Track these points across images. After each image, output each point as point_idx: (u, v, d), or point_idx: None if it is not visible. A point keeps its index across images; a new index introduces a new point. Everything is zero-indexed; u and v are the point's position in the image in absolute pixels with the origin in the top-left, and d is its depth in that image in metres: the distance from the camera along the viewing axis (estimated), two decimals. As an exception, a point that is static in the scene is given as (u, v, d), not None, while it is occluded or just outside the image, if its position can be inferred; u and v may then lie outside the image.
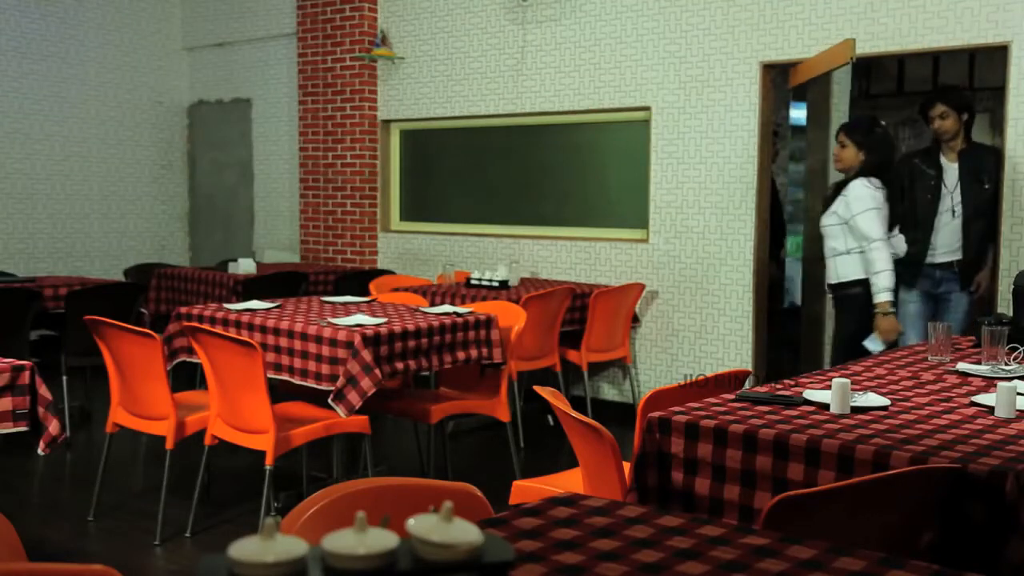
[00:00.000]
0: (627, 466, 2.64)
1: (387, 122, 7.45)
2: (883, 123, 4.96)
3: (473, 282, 5.85)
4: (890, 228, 4.79)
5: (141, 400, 4.13)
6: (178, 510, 4.16)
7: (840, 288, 4.83)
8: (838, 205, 4.72)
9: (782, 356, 6.21)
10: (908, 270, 4.86)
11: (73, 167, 8.02)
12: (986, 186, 4.84)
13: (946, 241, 4.85)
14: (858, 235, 4.64)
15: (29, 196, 7.77)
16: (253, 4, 8.14)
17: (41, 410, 3.27)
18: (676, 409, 2.52)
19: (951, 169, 4.85)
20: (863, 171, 4.69)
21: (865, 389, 2.79)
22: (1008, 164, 4.96)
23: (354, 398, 3.87)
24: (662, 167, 6.05)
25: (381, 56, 7.18)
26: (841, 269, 4.77)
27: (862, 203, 4.58)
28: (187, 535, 4.04)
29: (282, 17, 7.92)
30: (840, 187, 4.79)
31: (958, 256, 4.85)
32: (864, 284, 4.67)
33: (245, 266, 6.41)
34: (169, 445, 4.01)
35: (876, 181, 4.67)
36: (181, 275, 6.47)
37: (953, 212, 4.81)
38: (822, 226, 4.85)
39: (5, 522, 1.79)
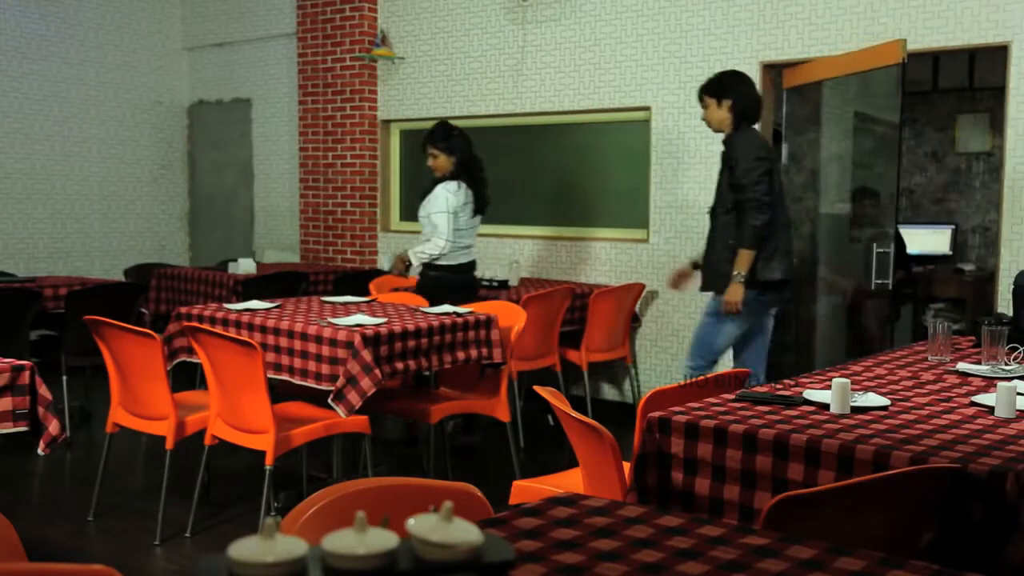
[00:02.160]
0: (627, 466, 2.64)
1: (387, 122, 7.45)
2: (456, 127, 5.39)
3: (473, 282, 5.85)
4: None
5: (141, 400, 4.13)
6: (178, 510, 4.16)
7: (431, 269, 5.29)
8: (425, 201, 5.30)
9: (781, 357, 6.22)
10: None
11: (73, 167, 8.02)
12: (717, 180, 4.60)
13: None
14: (431, 229, 5.22)
15: (29, 196, 7.77)
16: (253, 4, 8.14)
17: (41, 410, 3.27)
18: (676, 409, 2.52)
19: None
20: (453, 174, 5.24)
21: (865, 389, 2.79)
22: (1008, 164, 4.97)
23: (354, 398, 3.87)
24: (662, 167, 6.05)
25: (381, 56, 7.18)
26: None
27: (437, 205, 5.18)
28: (187, 535, 4.04)
29: (282, 17, 7.92)
30: (434, 185, 5.28)
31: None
32: (454, 269, 5.26)
33: (245, 266, 6.41)
34: (169, 445, 4.01)
35: (460, 185, 5.24)
36: (181, 275, 6.47)
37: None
38: (419, 216, 5.37)
39: (5, 522, 1.79)
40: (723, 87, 4.57)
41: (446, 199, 5.17)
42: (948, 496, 2.07)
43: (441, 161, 5.26)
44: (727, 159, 4.53)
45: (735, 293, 4.42)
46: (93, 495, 4.28)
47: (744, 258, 4.40)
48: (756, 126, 4.78)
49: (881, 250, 4.93)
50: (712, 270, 4.58)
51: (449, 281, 5.23)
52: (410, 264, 5.34)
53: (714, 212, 4.63)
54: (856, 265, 5.68)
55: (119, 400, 4.22)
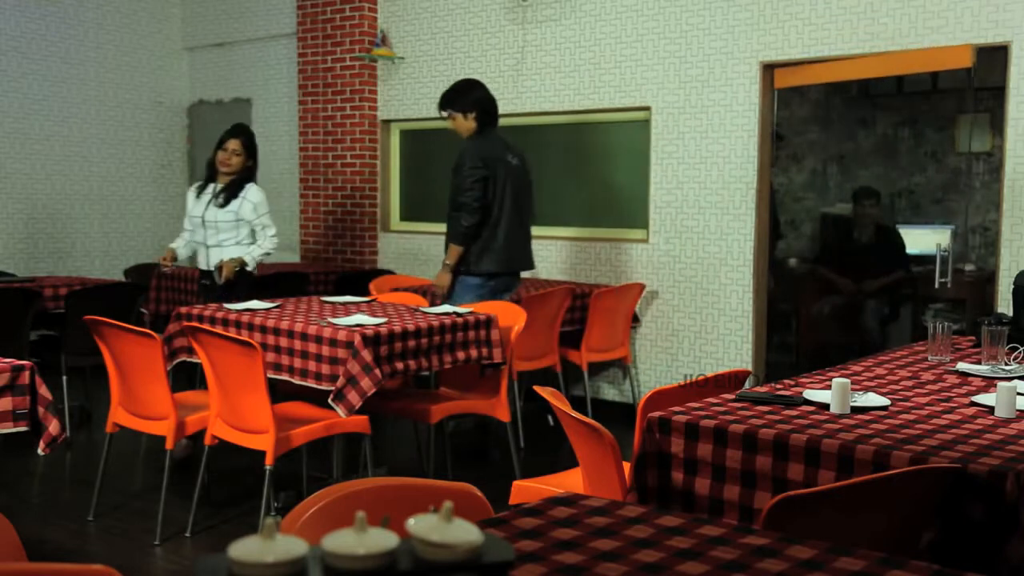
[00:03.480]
0: (627, 466, 2.64)
1: (387, 122, 7.45)
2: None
3: (473, 282, 5.84)
4: None
5: (141, 400, 4.12)
6: (178, 510, 4.16)
7: (246, 275, 5.22)
8: (235, 204, 5.18)
9: (781, 357, 6.22)
10: None
11: (73, 167, 8.01)
12: (456, 179, 5.09)
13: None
14: (260, 229, 5.23)
15: (29, 196, 7.77)
16: (253, 4, 8.14)
17: (41, 410, 3.27)
18: (676, 409, 2.52)
19: None
20: (251, 175, 5.27)
21: (865, 389, 2.79)
22: (1008, 164, 4.97)
23: (354, 398, 3.87)
24: (662, 167, 6.05)
25: (381, 56, 7.18)
26: (227, 257, 5.18)
27: (264, 206, 5.24)
28: (187, 535, 4.04)
29: (282, 17, 7.92)
30: (235, 188, 5.19)
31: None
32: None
33: (245, 266, 6.39)
34: (169, 445, 4.01)
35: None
36: (181, 275, 6.47)
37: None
38: (215, 220, 5.19)
39: (5, 522, 1.79)
40: (467, 101, 5.14)
41: (265, 200, 5.27)
42: (948, 496, 2.07)
43: (241, 160, 5.21)
44: (454, 164, 5.12)
45: (441, 279, 5.13)
46: (93, 495, 4.28)
47: (453, 251, 5.07)
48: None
49: (944, 251, 5.46)
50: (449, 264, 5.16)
51: (256, 281, 5.33)
52: (242, 267, 5.19)
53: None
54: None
55: (119, 400, 4.22)
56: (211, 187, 5.26)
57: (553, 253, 6.58)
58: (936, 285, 5.48)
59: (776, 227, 6.66)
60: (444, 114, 5.21)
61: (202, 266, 5.31)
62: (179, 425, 4.02)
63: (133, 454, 5.22)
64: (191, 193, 5.37)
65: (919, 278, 7.02)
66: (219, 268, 5.13)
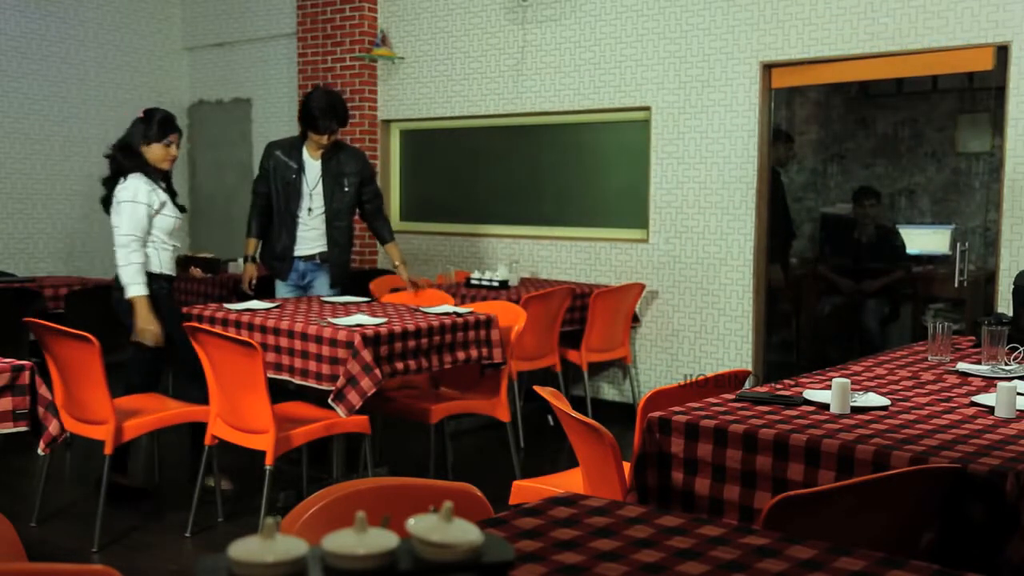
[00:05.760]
0: (627, 466, 2.64)
1: (387, 122, 7.45)
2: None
3: (473, 282, 5.85)
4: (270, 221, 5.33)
5: (81, 404, 4.06)
6: (177, 510, 4.15)
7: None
8: None
9: (781, 357, 6.22)
10: (281, 263, 5.30)
11: (73, 167, 8.01)
12: (346, 188, 5.22)
13: (310, 236, 5.24)
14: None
15: (29, 196, 7.76)
16: (253, 4, 8.14)
17: (41, 410, 3.27)
18: (676, 409, 2.52)
19: (313, 168, 5.21)
20: None
21: (865, 389, 2.79)
22: (1008, 164, 4.97)
23: (354, 398, 3.87)
24: (662, 167, 6.05)
25: (381, 56, 7.18)
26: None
27: None
28: (187, 535, 4.04)
29: (282, 17, 7.92)
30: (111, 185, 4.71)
31: (322, 249, 5.25)
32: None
33: (245, 266, 6.39)
34: (108, 450, 3.95)
35: None
36: (181, 275, 6.46)
37: (310, 210, 5.22)
38: (179, 218, 4.84)
39: (5, 522, 1.79)
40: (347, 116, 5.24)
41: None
42: (948, 496, 2.07)
43: None
44: (359, 171, 5.24)
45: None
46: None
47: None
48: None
49: (963, 248, 5.57)
50: (344, 268, 5.34)
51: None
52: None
53: (331, 218, 5.23)
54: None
55: (61, 403, 4.14)
56: (159, 187, 4.72)
57: (553, 253, 6.58)
58: (956, 283, 5.52)
59: (790, 226, 6.66)
60: (335, 130, 5.10)
61: (169, 271, 4.68)
62: (117, 430, 3.95)
63: (133, 454, 5.20)
64: (157, 200, 4.65)
65: (919, 278, 7.03)
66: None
